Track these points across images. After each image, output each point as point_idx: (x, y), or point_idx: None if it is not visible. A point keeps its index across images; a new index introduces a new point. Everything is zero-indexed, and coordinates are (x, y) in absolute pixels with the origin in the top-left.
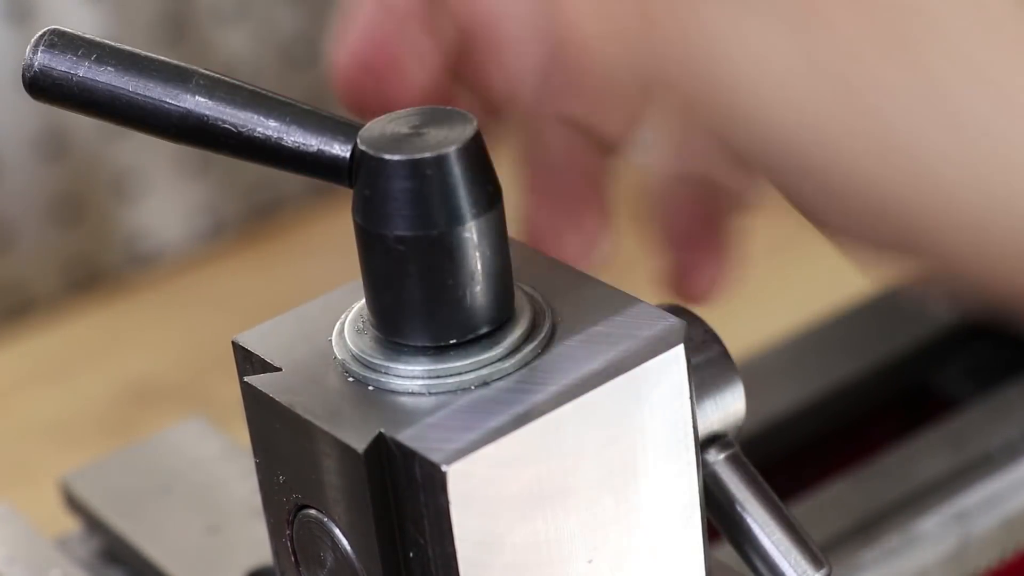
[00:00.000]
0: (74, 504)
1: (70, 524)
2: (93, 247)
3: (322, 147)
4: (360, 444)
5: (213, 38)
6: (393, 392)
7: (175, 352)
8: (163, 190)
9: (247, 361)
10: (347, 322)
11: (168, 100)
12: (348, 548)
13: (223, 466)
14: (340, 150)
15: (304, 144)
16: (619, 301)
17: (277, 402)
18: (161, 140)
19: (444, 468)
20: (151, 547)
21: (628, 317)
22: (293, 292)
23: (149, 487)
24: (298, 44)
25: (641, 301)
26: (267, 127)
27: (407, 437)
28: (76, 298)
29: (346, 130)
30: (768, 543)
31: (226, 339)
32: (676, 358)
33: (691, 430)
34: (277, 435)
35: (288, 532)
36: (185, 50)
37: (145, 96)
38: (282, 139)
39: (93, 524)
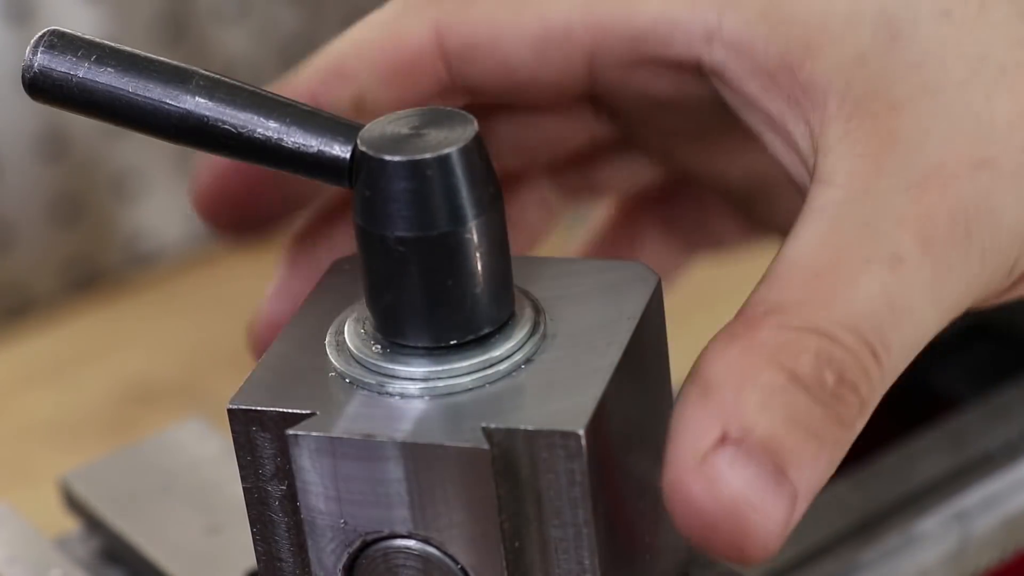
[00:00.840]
0: (74, 504)
1: (70, 524)
2: (93, 247)
3: (322, 148)
4: (482, 443)
5: (213, 38)
6: (449, 394)
7: (175, 352)
8: (163, 190)
9: (253, 423)
10: (340, 344)
11: (168, 101)
12: (448, 562)
13: (223, 466)
14: (340, 151)
15: (304, 145)
16: (586, 266)
17: (347, 440)
18: (161, 140)
19: (580, 432)
20: (151, 547)
21: (605, 275)
22: None
23: (149, 487)
24: (298, 44)
25: (601, 259)
26: (267, 128)
27: (518, 421)
28: (76, 298)
29: (346, 131)
30: None
31: (226, 339)
32: (658, 288)
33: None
34: (344, 475)
35: None
36: (185, 50)
37: (145, 97)
38: (282, 140)
39: (93, 524)
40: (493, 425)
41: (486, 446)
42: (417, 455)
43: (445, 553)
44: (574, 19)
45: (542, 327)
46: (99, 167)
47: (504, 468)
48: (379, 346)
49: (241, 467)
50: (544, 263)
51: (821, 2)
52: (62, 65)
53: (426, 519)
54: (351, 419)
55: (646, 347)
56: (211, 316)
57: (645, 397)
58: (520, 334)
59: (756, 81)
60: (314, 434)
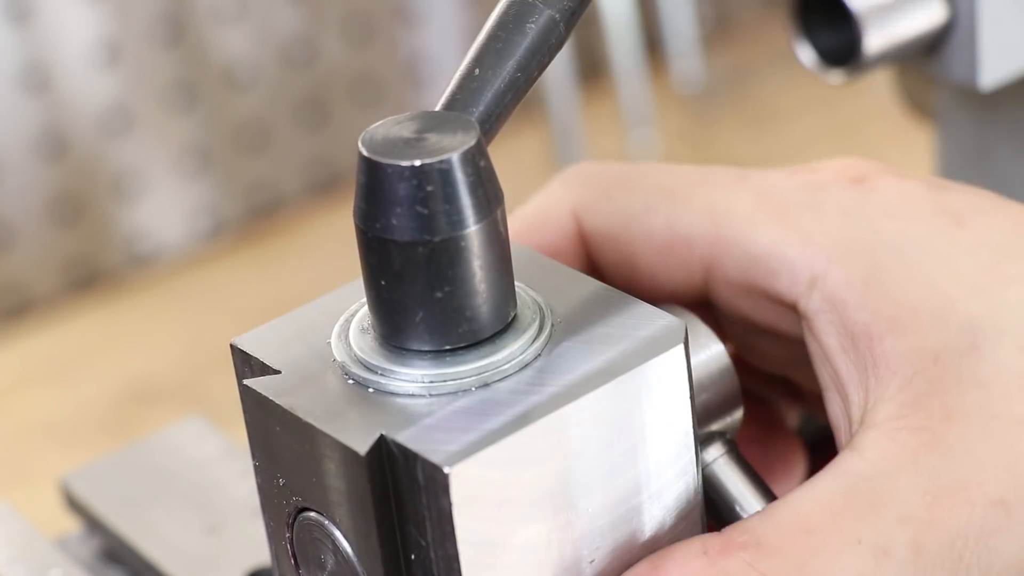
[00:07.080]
0: (74, 504)
1: (70, 524)
2: (93, 247)
3: None
4: (362, 446)
5: (213, 38)
6: (393, 394)
7: (175, 352)
8: (163, 190)
9: (245, 364)
10: (346, 324)
11: None
12: (349, 550)
13: (223, 466)
14: None
15: None
16: (619, 301)
17: (277, 405)
18: (160, 139)
19: (447, 470)
20: (151, 547)
21: (628, 317)
22: (293, 292)
23: (149, 487)
24: (298, 44)
25: (640, 301)
26: None
27: (408, 439)
28: (76, 298)
29: None
30: None
31: (226, 339)
32: (676, 357)
33: (691, 429)
34: (277, 438)
35: (288, 535)
36: (185, 50)
37: None
38: None
39: (93, 524)
40: (392, 436)
41: (362, 451)
42: (316, 439)
43: (348, 540)
44: (697, 232)
45: (528, 352)
46: (99, 167)
47: (398, 480)
48: (369, 333)
49: (242, 400)
50: (600, 293)
51: (919, 286)
52: None
53: (327, 503)
54: (296, 389)
55: (633, 405)
56: (211, 316)
57: (616, 458)
58: (498, 355)
59: (839, 338)
60: (257, 390)
